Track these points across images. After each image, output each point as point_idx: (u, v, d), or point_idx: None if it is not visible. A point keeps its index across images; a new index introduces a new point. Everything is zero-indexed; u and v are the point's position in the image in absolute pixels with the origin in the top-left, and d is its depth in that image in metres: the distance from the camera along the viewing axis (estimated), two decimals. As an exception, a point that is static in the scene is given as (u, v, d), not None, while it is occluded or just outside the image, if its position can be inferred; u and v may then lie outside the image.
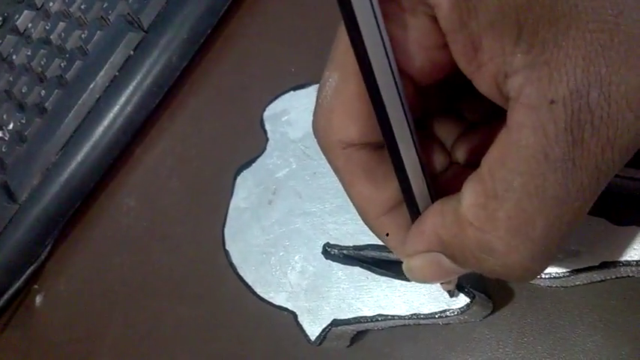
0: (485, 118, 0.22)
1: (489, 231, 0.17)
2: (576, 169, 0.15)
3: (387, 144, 0.18)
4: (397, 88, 0.17)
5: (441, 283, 0.25)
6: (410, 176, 0.19)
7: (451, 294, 0.26)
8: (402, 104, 0.18)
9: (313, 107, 0.20)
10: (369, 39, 0.16)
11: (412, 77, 0.19)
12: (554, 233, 0.16)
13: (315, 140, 0.21)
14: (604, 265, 0.23)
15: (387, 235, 0.21)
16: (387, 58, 0.17)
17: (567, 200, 0.16)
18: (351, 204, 0.22)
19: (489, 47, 0.16)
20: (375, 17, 0.16)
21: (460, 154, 0.22)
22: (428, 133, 0.23)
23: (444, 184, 0.21)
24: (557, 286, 0.26)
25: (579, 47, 0.15)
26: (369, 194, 0.21)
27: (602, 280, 0.25)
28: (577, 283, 0.25)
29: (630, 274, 0.24)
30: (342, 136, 0.19)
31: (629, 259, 0.23)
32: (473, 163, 0.22)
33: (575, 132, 0.15)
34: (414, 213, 0.20)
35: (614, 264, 0.23)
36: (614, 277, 0.24)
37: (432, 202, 0.20)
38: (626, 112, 0.15)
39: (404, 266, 0.21)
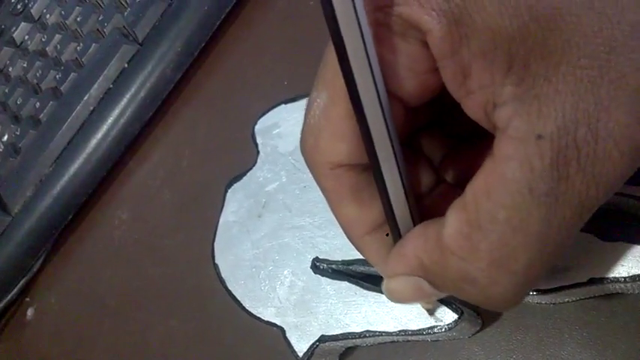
0: (473, 135, 0.22)
1: (472, 262, 0.17)
2: (560, 205, 0.15)
3: (371, 166, 0.18)
4: (383, 111, 0.17)
5: (421, 303, 0.25)
6: (392, 199, 0.19)
7: (430, 312, 0.25)
8: (388, 127, 0.17)
9: (304, 122, 0.20)
10: (357, 62, 0.16)
11: (402, 99, 0.18)
12: (536, 266, 0.16)
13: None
14: (592, 282, 0.23)
15: (370, 253, 0.21)
16: (375, 81, 0.17)
17: (550, 235, 0.16)
18: (334, 216, 0.21)
19: (479, 76, 0.16)
20: (364, 40, 0.16)
21: (447, 172, 0.22)
22: (415, 149, 0.22)
23: (431, 204, 0.21)
24: (546, 303, 0.25)
25: (569, 83, 0.15)
26: (354, 214, 0.21)
27: (591, 297, 0.24)
28: (566, 299, 0.25)
29: (619, 291, 0.23)
30: (330, 157, 0.19)
31: (617, 275, 0.23)
32: (459, 182, 0.22)
33: (560, 168, 0.15)
34: (396, 235, 0.20)
35: (602, 280, 0.23)
36: (603, 293, 0.24)
37: (415, 225, 0.20)
38: (613, 150, 0.15)
39: (383, 286, 0.21)
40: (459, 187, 0.22)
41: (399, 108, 0.19)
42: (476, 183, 0.16)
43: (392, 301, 0.21)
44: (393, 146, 0.18)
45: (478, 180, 0.16)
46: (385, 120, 0.17)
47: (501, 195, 0.16)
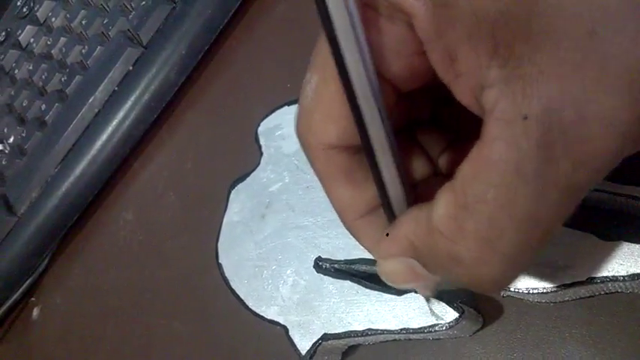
0: (471, 130, 0.22)
1: (459, 241, 0.17)
2: (547, 186, 0.15)
3: (363, 146, 0.19)
4: (374, 91, 0.17)
5: (418, 289, 0.25)
6: (386, 180, 0.19)
7: (427, 299, 0.26)
8: (379, 108, 0.18)
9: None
10: (346, 43, 0.16)
11: (392, 82, 0.19)
12: (524, 248, 0.16)
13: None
14: (592, 281, 0.23)
15: (364, 237, 0.22)
16: (364, 62, 0.17)
17: (538, 216, 0.16)
18: (328, 198, 0.22)
19: (466, 59, 0.16)
20: (352, 22, 0.16)
21: (443, 165, 0.22)
22: (413, 141, 0.23)
23: (423, 193, 0.22)
24: (546, 302, 0.25)
25: (553, 65, 0.15)
26: (347, 197, 0.21)
27: (590, 296, 0.25)
28: (566, 298, 0.25)
29: (618, 290, 0.24)
30: (322, 138, 0.19)
31: (616, 274, 0.23)
32: (454, 173, 0.22)
33: (547, 149, 0.15)
34: (391, 217, 0.20)
35: (602, 279, 0.23)
36: (602, 292, 0.24)
37: (408, 208, 0.20)
38: (599, 131, 0.15)
39: (378, 268, 0.21)
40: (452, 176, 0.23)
41: (390, 91, 0.19)
42: (464, 166, 0.17)
43: (388, 282, 0.21)
44: (384, 126, 0.18)
45: (466, 161, 0.17)
46: (375, 99, 0.17)
47: (489, 175, 0.16)
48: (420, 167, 0.22)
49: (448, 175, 0.22)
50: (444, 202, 0.17)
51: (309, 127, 0.20)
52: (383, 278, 0.21)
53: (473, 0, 0.15)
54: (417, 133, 0.23)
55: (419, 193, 0.22)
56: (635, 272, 0.23)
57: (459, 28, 0.16)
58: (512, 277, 0.18)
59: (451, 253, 0.17)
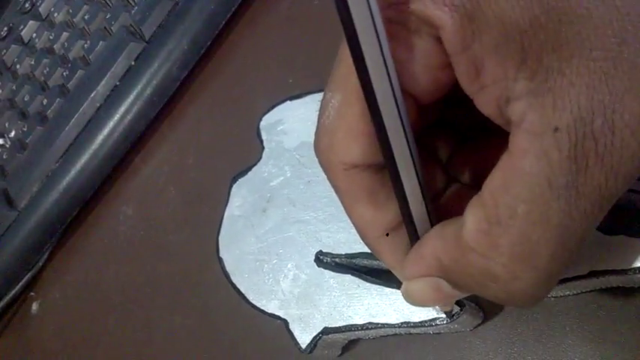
0: (479, 133, 0.22)
1: (493, 258, 0.17)
2: (580, 197, 0.15)
3: (387, 166, 0.18)
4: (399, 111, 0.17)
5: (439, 305, 0.25)
6: (409, 199, 0.19)
7: (449, 315, 0.25)
8: (404, 127, 0.17)
9: (308, 117, 0.20)
10: (372, 60, 0.16)
11: (415, 96, 0.19)
12: (558, 260, 0.16)
13: (310, 149, 0.21)
14: (593, 274, 0.23)
15: (386, 256, 0.21)
16: (390, 80, 0.17)
17: (571, 227, 0.16)
18: (346, 216, 0.21)
19: (492, 70, 0.16)
20: (379, 38, 0.16)
21: (457, 171, 0.22)
22: (423, 147, 0.23)
23: (445, 204, 0.21)
24: (547, 296, 0.25)
25: (583, 75, 0.15)
26: (369, 216, 0.21)
27: (591, 290, 0.25)
28: (567, 292, 0.25)
29: (619, 284, 0.24)
30: (345, 158, 0.19)
31: (617, 268, 0.23)
32: (472, 180, 0.22)
33: (579, 160, 0.15)
34: (413, 236, 0.20)
35: (603, 273, 0.23)
36: (603, 287, 0.24)
37: (432, 226, 0.20)
38: (630, 140, 0.15)
39: (402, 289, 0.21)
40: (471, 185, 0.22)
41: (412, 106, 0.19)
42: (493, 179, 0.16)
43: (412, 304, 0.21)
44: (409, 145, 0.18)
45: (495, 176, 0.16)
46: (401, 119, 0.17)
47: (520, 189, 0.16)
48: (437, 177, 0.22)
49: (465, 183, 0.22)
50: (474, 218, 0.17)
51: (330, 145, 0.20)
52: (407, 300, 0.21)
53: (501, 11, 0.15)
54: (425, 135, 0.23)
55: (438, 204, 0.22)
56: (637, 266, 0.23)
57: (486, 40, 0.15)
58: (548, 290, 0.18)
59: (484, 269, 0.17)
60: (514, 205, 0.16)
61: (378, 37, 0.16)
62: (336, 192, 0.21)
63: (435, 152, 0.23)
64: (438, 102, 0.21)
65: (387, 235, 0.21)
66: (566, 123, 0.15)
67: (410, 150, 0.18)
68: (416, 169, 0.19)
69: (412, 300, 0.21)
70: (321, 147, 0.20)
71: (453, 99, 0.19)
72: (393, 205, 0.20)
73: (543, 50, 0.15)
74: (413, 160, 0.18)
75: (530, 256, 0.16)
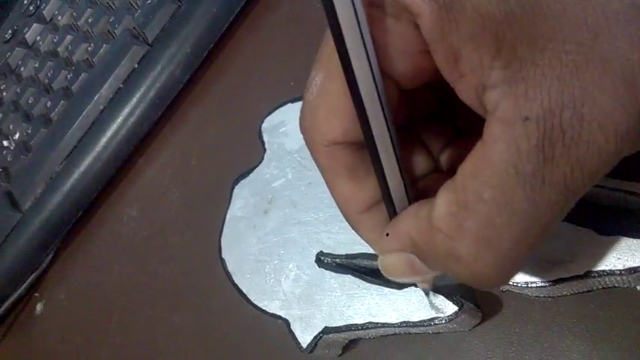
0: (473, 127, 0.23)
1: (458, 239, 0.17)
2: (545, 186, 0.16)
3: (366, 142, 0.19)
4: (377, 89, 0.18)
5: (417, 282, 0.25)
6: (388, 176, 0.19)
7: (427, 293, 0.26)
8: (382, 105, 0.18)
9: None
10: (352, 41, 0.17)
11: (396, 80, 0.19)
12: (521, 246, 0.17)
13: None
14: (589, 275, 0.24)
15: (365, 231, 0.22)
16: (369, 60, 0.17)
17: (535, 215, 0.16)
18: (330, 193, 0.22)
19: (469, 59, 0.16)
20: (358, 20, 0.17)
21: (445, 161, 0.23)
22: (415, 137, 0.23)
23: (424, 189, 0.22)
24: (544, 296, 0.26)
25: (555, 67, 0.15)
26: (349, 192, 0.21)
27: (588, 291, 0.25)
28: (564, 292, 0.25)
29: (616, 284, 0.24)
30: (326, 134, 0.20)
31: (613, 268, 0.23)
32: (454, 170, 0.23)
33: (546, 150, 0.15)
34: (392, 213, 0.21)
35: (599, 273, 0.23)
36: (600, 287, 0.24)
37: (409, 204, 0.20)
38: (597, 134, 0.15)
39: (379, 262, 0.21)
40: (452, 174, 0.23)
41: (393, 89, 0.19)
42: (465, 165, 0.17)
43: (387, 276, 0.21)
44: (387, 123, 0.18)
45: (467, 162, 0.17)
46: (379, 97, 0.18)
47: (488, 175, 0.16)
48: (421, 163, 0.23)
49: (449, 172, 0.23)
50: (444, 200, 0.18)
51: (313, 123, 0.20)
52: (382, 271, 0.21)
53: (477, 3, 0.15)
54: (419, 129, 0.23)
55: (420, 188, 0.22)
56: (633, 266, 0.23)
57: (463, 29, 0.16)
58: (509, 275, 0.18)
59: (450, 251, 0.18)
60: (481, 190, 0.16)
61: (357, 19, 0.17)
62: (319, 169, 0.22)
63: (428, 142, 0.23)
64: (430, 94, 0.22)
65: (368, 210, 0.21)
66: (536, 113, 0.15)
67: (388, 128, 0.19)
68: (394, 147, 0.19)
69: (388, 273, 0.21)
70: (305, 124, 0.21)
71: (446, 93, 0.19)
72: (373, 181, 0.20)
73: (518, 41, 0.15)
74: (392, 137, 0.19)
75: (494, 240, 0.17)
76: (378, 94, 0.18)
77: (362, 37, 0.17)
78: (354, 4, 0.16)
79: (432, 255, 0.19)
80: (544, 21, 0.15)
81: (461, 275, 0.18)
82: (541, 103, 0.15)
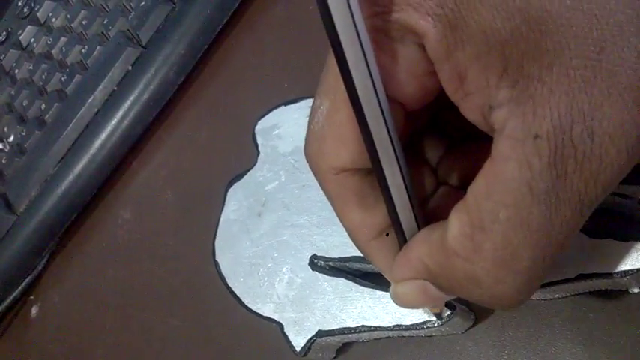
0: (468, 137, 0.23)
1: (476, 262, 0.17)
2: (560, 203, 0.16)
3: (375, 171, 0.19)
4: (385, 117, 0.18)
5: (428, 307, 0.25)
6: (397, 204, 0.19)
7: (439, 316, 0.26)
8: (389, 131, 0.18)
9: (303, 121, 0.21)
10: (357, 67, 0.16)
11: (402, 103, 0.19)
12: (539, 264, 0.17)
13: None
14: (581, 277, 0.24)
15: (376, 258, 0.22)
16: (375, 86, 0.17)
17: (551, 232, 0.16)
18: (340, 221, 0.22)
19: (475, 79, 0.16)
20: (362, 46, 0.16)
21: (447, 174, 0.23)
22: (414, 152, 0.23)
23: (433, 207, 0.22)
24: (537, 299, 0.26)
25: (563, 83, 0.15)
26: (359, 219, 0.21)
27: (580, 294, 0.25)
28: (556, 295, 0.25)
29: (607, 287, 0.24)
30: (334, 162, 0.20)
31: (604, 271, 0.23)
32: (460, 183, 0.23)
33: (558, 166, 0.15)
34: (402, 240, 0.20)
35: (591, 276, 0.23)
36: (591, 289, 0.25)
37: (419, 229, 0.20)
38: (609, 147, 0.15)
39: (391, 291, 0.21)
40: (459, 189, 0.23)
41: (400, 112, 0.19)
42: (476, 185, 0.17)
43: (400, 305, 0.21)
44: (395, 150, 0.18)
45: (478, 181, 0.17)
46: (386, 124, 0.18)
47: (502, 194, 0.16)
48: (426, 181, 0.22)
49: (453, 186, 0.23)
50: (457, 223, 0.17)
51: (320, 151, 0.20)
52: (395, 301, 0.21)
53: (483, 21, 0.15)
54: (415, 140, 0.23)
55: (430, 208, 0.22)
56: (624, 269, 0.23)
57: (469, 49, 0.16)
58: (530, 293, 0.18)
59: (468, 273, 0.17)
60: (496, 211, 0.16)
61: (362, 45, 0.16)
62: (327, 196, 0.22)
63: (425, 155, 0.23)
64: (428, 106, 0.22)
65: (378, 237, 0.21)
66: (546, 130, 0.15)
67: (396, 155, 0.19)
68: (402, 174, 0.19)
69: (400, 302, 0.21)
70: (311, 153, 0.21)
71: (443, 103, 0.19)
72: (382, 208, 0.20)
73: (524, 59, 0.15)
74: (399, 164, 0.19)
75: (512, 260, 0.16)
76: (385, 120, 0.18)
77: (367, 63, 0.17)
78: (357, 30, 0.16)
79: (449, 279, 0.18)
80: (550, 37, 0.15)
81: (481, 298, 0.18)
82: (550, 120, 0.15)
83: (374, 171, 0.19)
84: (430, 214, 0.21)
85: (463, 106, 0.17)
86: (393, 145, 0.18)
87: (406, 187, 0.19)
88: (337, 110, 0.19)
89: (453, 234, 0.17)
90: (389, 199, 0.19)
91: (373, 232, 0.21)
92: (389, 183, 0.19)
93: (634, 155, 0.15)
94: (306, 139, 0.21)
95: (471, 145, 0.23)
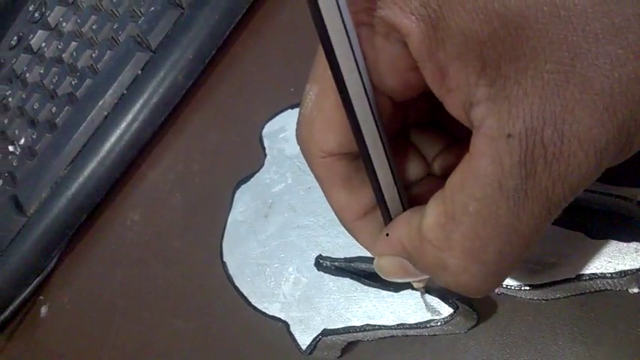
0: (465, 134, 0.23)
1: (445, 250, 0.18)
2: (528, 200, 0.16)
3: (360, 153, 0.20)
4: (370, 102, 0.18)
5: (412, 282, 0.26)
6: (382, 184, 0.20)
7: (422, 292, 0.27)
8: (375, 117, 0.19)
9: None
10: (343, 58, 0.17)
11: (388, 95, 0.20)
12: (506, 257, 0.17)
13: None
14: (580, 278, 0.24)
15: (361, 237, 0.23)
16: (360, 75, 0.18)
17: (519, 228, 0.17)
18: (327, 202, 0.23)
19: (456, 76, 0.17)
20: (349, 39, 0.17)
21: (438, 167, 0.23)
22: (409, 143, 0.24)
23: (419, 193, 0.22)
24: (538, 299, 0.26)
25: (537, 86, 0.15)
26: (345, 200, 0.22)
27: (580, 294, 0.25)
28: (557, 295, 0.26)
29: (607, 287, 0.24)
30: (322, 146, 0.21)
31: (604, 271, 0.24)
32: (446, 176, 0.23)
33: (528, 166, 0.16)
34: (387, 218, 0.21)
35: (590, 276, 0.24)
36: (591, 290, 0.25)
37: (404, 209, 0.21)
38: (578, 150, 0.16)
39: (374, 263, 0.22)
40: (443, 178, 0.24)
41: (386, 101, 0.20)
42: (453, 177, 0.18)
43: (382, 276, 0.22)
44: (380, 133, 0.19)
45: (455, 174, 0.18)
46: (372, 109, 0.19)
47: (474, 188, 0.17)
48: (415, 169, 0.23)
49: (441, 177, 0.23)
50: (433, 211, 0.18)
51: (309, 135, 0.21)
52: (377, 272, 0.22)
53: (462, 23, 0.16)
54: (413, 135, 0.24)
55: (414, 194, 0.23)
56: (623, 269, 0.23)
57: (450, 48, 0.17)
58: (495, 284, 0.19)
59: (437, 260, 0.18)
60: (467, 203, 0.17)
61: (349, 37, 0.17)
62: (316, 179, 0.22)
63: (423, 150, 0.24)
64: (423, 101, 0.22)
65: (363, 217, 0.22)
66: (518, 130, 0.16)
67: (381, 137, 0.19)
68: (387, 156, 0.20)
69: (382, 273, 0.22)
70: (301, 137, 0.22)
71: (438, 101, 0.20)
72: (368, 190, 0.21)
73: (502, 60, 0.16)
74: (384, 146, 0.20)
75: (479, 251, 0.17)
76: (371, 106, 0.19)
77: (353, 54, 0.18)
78: (344, 23, 0.17)
79: (422, 263, 0.19)
80: (526, 41, 0.16)
81: (448, 284, 0.19)
82: (523, 121, 0.16)
83: (359, 151, 0.20)
84: (415, 198, 0.22)
85: (447, 102, 0.18)
86: (377, 128, 0.19)
87: (391, 169, 0.20)
88: (325, 96, 0.20)
89: (428, 221, 0.18)
90: (374, 179, 0.20)
91: (358, 213, 0.22)
92: (374, 163, 0.20)
93: (603, 159, 0.16)
94: (297, 124, 0.22)
95: (466, 144, 0.23)
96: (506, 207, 0.16)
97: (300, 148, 0.22)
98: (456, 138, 0.24)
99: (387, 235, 0.21)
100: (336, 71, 0.18)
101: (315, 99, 0.20)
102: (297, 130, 0.22)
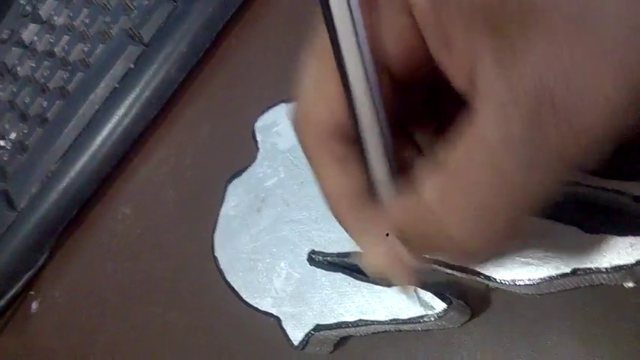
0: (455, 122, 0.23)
1: (450, 219, 0.17)
2: (540, 163, 0.16)
3: (355, 132, 0.19)
4: (369, 78, 0.18)
5: (401, 288, 0.25)
6: (376, 164, 0.20)
7: (415, 290, 0.26)
8: (373, 94, 0.18)
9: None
10: (343, 28, 0.17)
11: (390, 71, 0.19)
12: (511, 221, 0.17)
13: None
14: (576, 272, 0.24)
15: (350, 224, 0.22)
16: (360, 48, 0.17)
17: (530, 192, 0.16)
18: (318, 185, 0.22)
19: (462, 42, 0.16)
20: (350, 7, 0.17)
21: (429, 152, 0.23)
22: (401, 129, 0.23)
23: (409, 178, 0.22)
24: (532, 294, 0.26)
25: (546, 41, 0.15)
26: (337, 185, 0.21)
27: (575, 288, 0.25)
28: (551, 290, 0.25)
29: (602, 282, 0.24)
30: (318, 127, 0.20)
31: (599, 266, 0.23)
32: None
33: (537, 128, 0.15)
34: (380, 198, 0.21)
35: (586, 271, 0.24)
36: (586, 284, 0.25)
37: (396, 190, 0.20)
38: (588, 102, 0.15)
39: (361, 257, 0.21)
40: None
41: (388, 82, 0.19)
42: (455, 145, 0.17)
43: (369, 270, 0.22)
44: (377, 112, 0.19)
45: (457, 143, 0.17)
46: (370, 86, 0.18)
47: (480, 154, 0.16)
48: (407, 155, 0.23)
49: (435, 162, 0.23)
50: (435, 181, 0.18)
51: (305, 115, 0.20)
52: (365, 265, 0.22)
53: None
54: (410, 124, 0.24)
55: (406, 179, 0.23)
56: (619, 264, 0.23)
57: (455, 13, 0.16)
58: (501, 249, 0.19)
59: (441, 231, 0.18)
60: (475, 172, 0.16)
61: (350, 6, 0.17)
62: (309, 161, 0.22)
63: (418, 140, 0.24)
64: (422, 90, 0.22)
65: (354, 202, 0.21)
66: (527, 89, 0.15)
67: (379, 118, 0.19)
68: (384, 138, 0.19)
69: (369, 262, 0.22)
70: (297, 117, 0.21)
71: (438, 89, 0.20)
72: (361, 174, 0.21)
73: (510, 21, 0.15)
74: (382, 129, 0.19)
75: (487, 218, 0.17)
76: (369, 82, 0.18)
77: (354, 24, 0.17)
78: None
79: (422, 237, 0.19)
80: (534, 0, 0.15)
81: (450, 253, 0.18)
82: (532, 79, 0.15)
83: (354, 132, 0.19)
84: (408, 183, 0.22)
85: (451, 72, 0.18)
86: (375, 106, 0.19)
87: (386, 151, 0.20)
88: (324, 76, 0.19)
89: (430, 193, 0.18)
90: (368, 158, 0.20)
91: (349, 199, 0.21)
92: (369, 142, 0.19)
93: (614, 113, 0.15)
94: (292, 105, 0.21)
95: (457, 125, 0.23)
96: (517, 171, 0.16)
97: (294, 127, 0.21)
98: (445, 127, 0.24)
99: (377, 214, 0.20)
100: (335, 46, 0.17)
101: (314, 79, 0.20)
102: (292, 111, 0.21)
